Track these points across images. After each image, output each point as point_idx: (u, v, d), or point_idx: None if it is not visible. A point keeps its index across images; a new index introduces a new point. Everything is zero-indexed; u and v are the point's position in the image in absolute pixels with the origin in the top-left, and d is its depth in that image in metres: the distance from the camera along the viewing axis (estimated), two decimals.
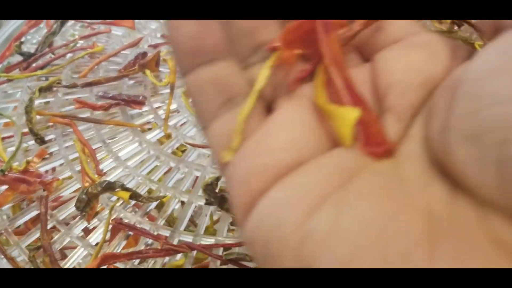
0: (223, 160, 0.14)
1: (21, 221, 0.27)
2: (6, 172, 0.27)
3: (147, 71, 0.33)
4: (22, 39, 0.38)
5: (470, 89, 0.10)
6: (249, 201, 0.12)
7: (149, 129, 0.31)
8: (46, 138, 0.30)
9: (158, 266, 0.25)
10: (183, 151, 0.33)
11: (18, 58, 0.36)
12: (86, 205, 0.26)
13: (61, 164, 0.30)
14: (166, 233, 0.26)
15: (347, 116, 0.12)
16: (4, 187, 0.27)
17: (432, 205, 0.11)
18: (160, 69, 0.35)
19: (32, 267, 0.24)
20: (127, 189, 0.27)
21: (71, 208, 0.27)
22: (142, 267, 0.25)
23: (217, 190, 0.26)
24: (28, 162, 0.27)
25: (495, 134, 0.10)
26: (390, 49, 0.14)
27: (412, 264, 0.10)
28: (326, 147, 0.13)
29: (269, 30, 0.14)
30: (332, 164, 0.12)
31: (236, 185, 0.13)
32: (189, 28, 0.14)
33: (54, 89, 0.33)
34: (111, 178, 0.28)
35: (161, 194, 0.27)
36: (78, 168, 0.29)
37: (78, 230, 0.26)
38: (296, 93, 0.14)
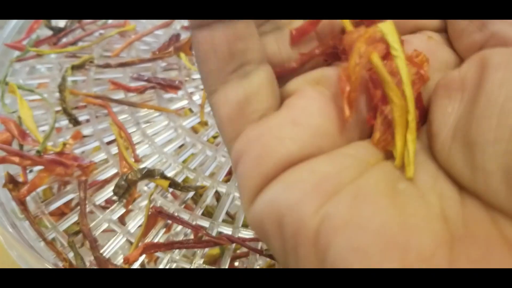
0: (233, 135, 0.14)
1: (56, 204, 0.26)
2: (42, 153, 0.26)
3: (182, 55, 0.33)
4: None
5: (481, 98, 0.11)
6: (260, 183, 0.12)
7: (186, 114, 0.31)
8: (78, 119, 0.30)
9: (197, 257, 0.25)
10: (214, 138, 0.33)
11: (46, 32, 0.35)
12: (126, 191, 0.26)
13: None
14: (203, 223, 0.26)
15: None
16: (39, 168, 0.27)
17: (445, 207, 0.11)
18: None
19: (72, 253, 0.24)
20: (166, 177, 0.26)
21: (105, 193, 0.27)
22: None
23: None
24: (64, 144, 0.27)
25: (500, 145, 0.10)
26: None
27: (432, 265, 0.10)
28: (343, 139, 0.13)
29: None
30: (349, 156, 0.12)
31: (247, 165, 0.13)
32: None
33: (86, 67, 0.32)
34: (147, 164, 0.28)
35: (198, 184, 0.27)
36: (114, 152, 0.28)
37: (115, 216, 0.26)
38: (318, 79, 0.14)
